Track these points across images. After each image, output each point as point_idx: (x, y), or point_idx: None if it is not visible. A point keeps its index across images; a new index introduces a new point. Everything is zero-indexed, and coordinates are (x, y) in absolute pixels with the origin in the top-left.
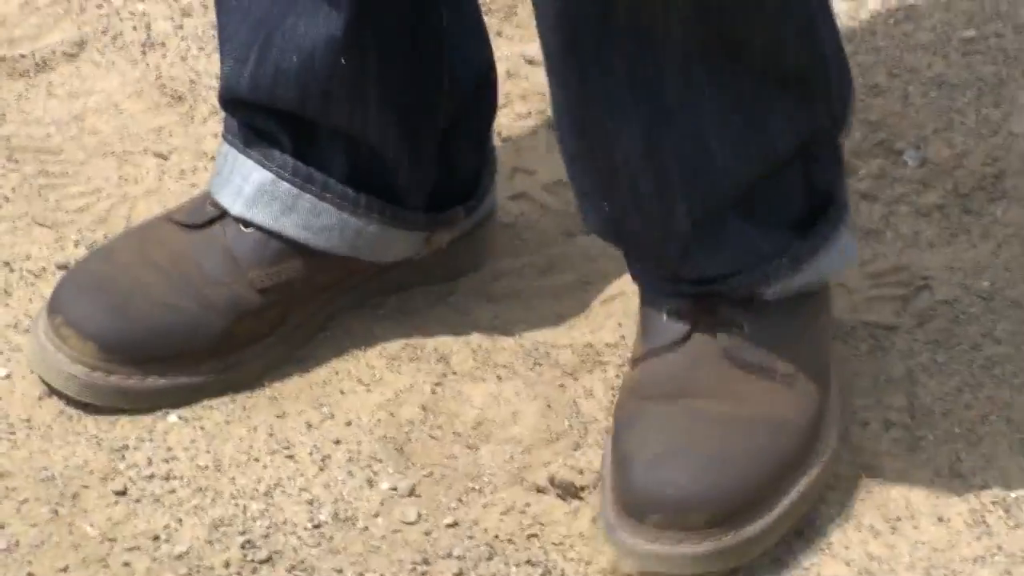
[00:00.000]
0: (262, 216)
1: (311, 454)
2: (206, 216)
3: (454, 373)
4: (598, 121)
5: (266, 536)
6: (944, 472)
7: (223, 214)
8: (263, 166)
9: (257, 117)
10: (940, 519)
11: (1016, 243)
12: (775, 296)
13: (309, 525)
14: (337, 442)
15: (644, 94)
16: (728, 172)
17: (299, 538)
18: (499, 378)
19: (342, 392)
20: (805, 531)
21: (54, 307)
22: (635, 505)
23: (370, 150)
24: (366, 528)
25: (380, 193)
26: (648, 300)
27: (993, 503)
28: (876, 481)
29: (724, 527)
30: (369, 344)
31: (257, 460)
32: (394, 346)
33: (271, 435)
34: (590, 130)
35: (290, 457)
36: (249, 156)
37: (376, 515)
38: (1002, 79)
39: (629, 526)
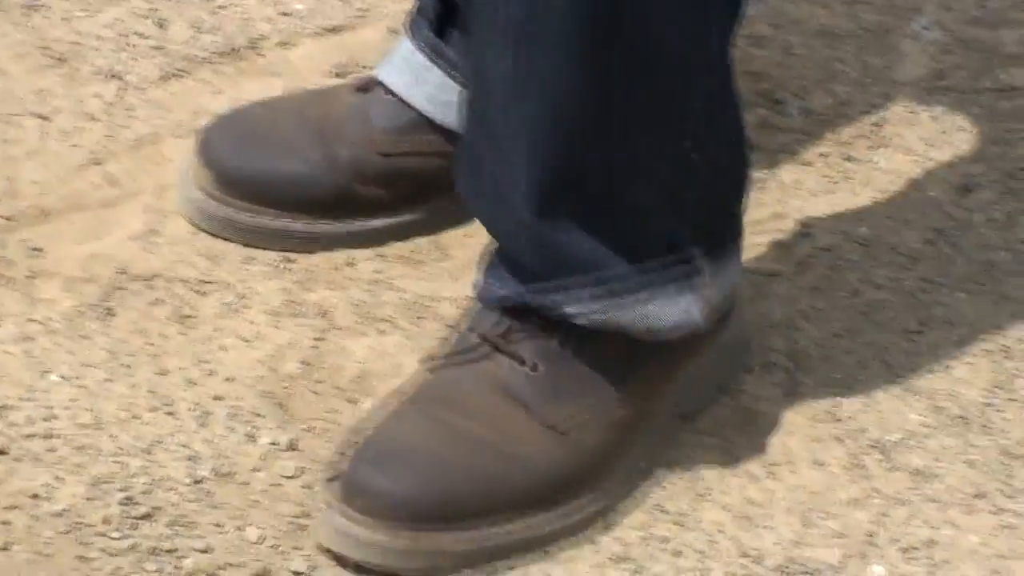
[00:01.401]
0: (396, 80)
1: (192, 410)
2: (367, 81)
3: (336, 328)
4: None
5: (146, 492)
6: (822, 416)
7: (379, 83)
8: (410, 37)
9: None
10: (818, 463)
11: (896, 190)
12: (585, 323)
13: (189, 481)
14: (218, 398)
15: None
16: (584, 136)
17: (179, 494)
18: (380, 332)
19: (223, 348)
20: (684, 476)
21: (202, 131)
22: (347, 484)
23: None
24: (246, 483)
25: None
26: (465, 318)
27: (871, 446)
28: (755, 426)
29: (418, 528)
30: (250, 300)
31: (138, 417)
32: (275, 301)
33: (152, 392)
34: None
35: (171, 414)
36: (406, 29)
37: (256, 470)
38: (886, 28)
39: (338, 500)
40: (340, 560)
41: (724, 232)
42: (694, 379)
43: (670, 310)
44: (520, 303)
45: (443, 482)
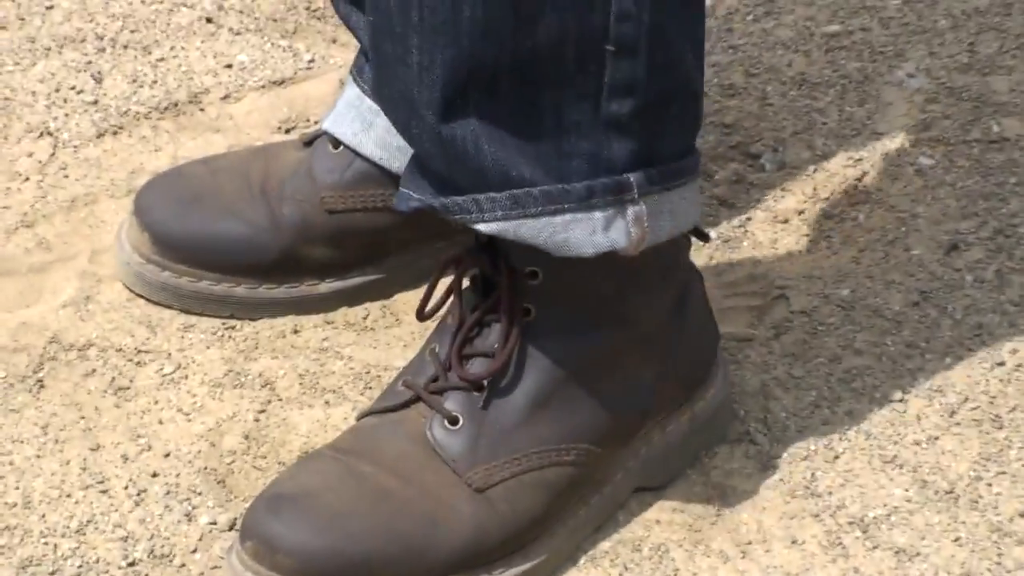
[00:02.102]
0: (344, 130)
1: (127, 488)
2: (312, 135)
3: (279, 399)
4: None
5: (78, 575)
6: (799, 492)
7: (323, 134)
8: (355, 82)
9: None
10: (794, 542)
11: (879, 249)
12: (490, 231)
13: (123, 563)
14: (154, 475)
15: None
16: (484, 32)
17: None
18: (327, 403)
19: (161, 422)
20: (651, 556)
21: (139, 192)
22: (244, 526)
23: None
24: (183, 565)
25: None
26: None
27: (850, 523)
28: (726, 502)
29: None
30: (190, 370)
31: (69, 496)
32: (216, 372)
33: (84, 469)
34: None
35: (104, 492)
36: (351, 74)
37: (194, 551)
38: (867, 75)
39: (238, 541)
40: None
41: (670, 158)
42: (662, 449)
43: (593, 239)
44: (430, 208)
45: (338, 533)
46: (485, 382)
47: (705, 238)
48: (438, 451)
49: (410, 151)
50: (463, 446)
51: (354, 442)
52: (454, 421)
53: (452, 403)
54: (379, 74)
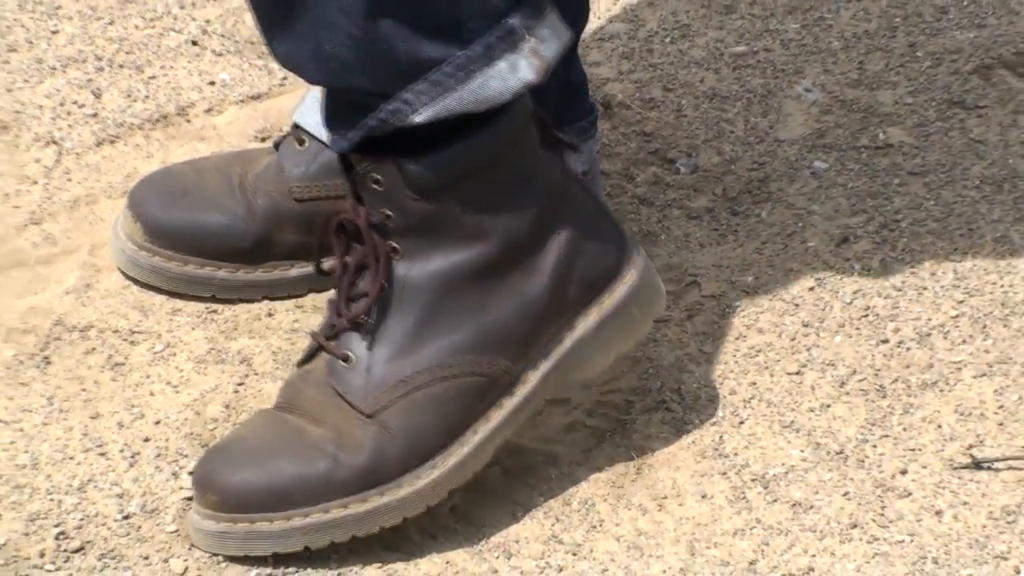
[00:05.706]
0: (309, 120)
1: (122, 451)
2: (280, 138)
3: (256, 373)
4: None
5: (79, 527)
6: (708, 453)
7: (291, 134)
8: None
9: None
10: (704, 496)
11: (779, 241)
12: (427, 119)
13: (119, 516)
14: (146, 440)
15: None
16: None
17: (109, 529)
18: None
19: (152, 394)
20: (578, 509)
21: (131, 190)
22: (193, 480)
23: None
24: (172, 518)
25: None
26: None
27: (753, 480)
28: (645, 462)
29: (234, 515)
30: (177, 348)
31: (72, 458)
32: (201, 350)
33: (85, 435)
34: None
35: (103, 455)
36: None
37: (181, 506)
38: (770, 90)
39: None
40: None
41: None
42: (574, 346)
43: (508, 85)
44: (369, 133)
45: (254, 468)
46: (363, 318)
47: (572, 147)
48: (337, 389)
49: None
50: (356, 380)
51: (282, 396)
52: (347, 360)
53: (344, 344)
54: (281, 23)
